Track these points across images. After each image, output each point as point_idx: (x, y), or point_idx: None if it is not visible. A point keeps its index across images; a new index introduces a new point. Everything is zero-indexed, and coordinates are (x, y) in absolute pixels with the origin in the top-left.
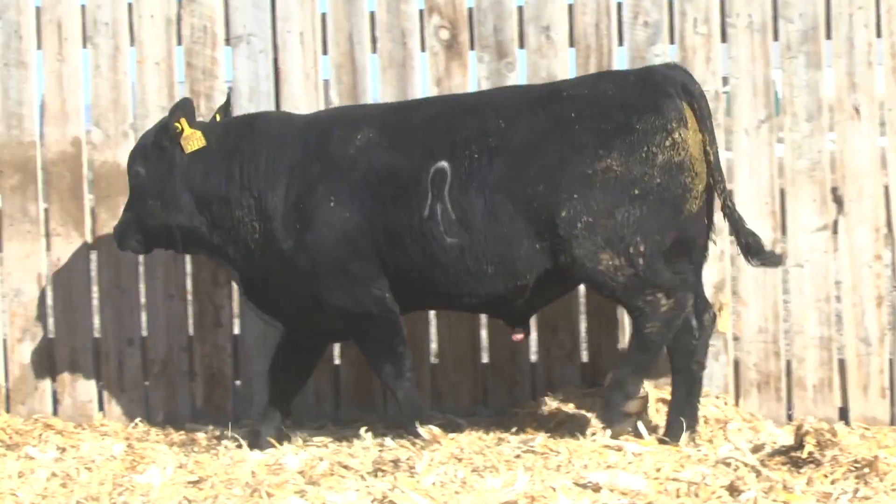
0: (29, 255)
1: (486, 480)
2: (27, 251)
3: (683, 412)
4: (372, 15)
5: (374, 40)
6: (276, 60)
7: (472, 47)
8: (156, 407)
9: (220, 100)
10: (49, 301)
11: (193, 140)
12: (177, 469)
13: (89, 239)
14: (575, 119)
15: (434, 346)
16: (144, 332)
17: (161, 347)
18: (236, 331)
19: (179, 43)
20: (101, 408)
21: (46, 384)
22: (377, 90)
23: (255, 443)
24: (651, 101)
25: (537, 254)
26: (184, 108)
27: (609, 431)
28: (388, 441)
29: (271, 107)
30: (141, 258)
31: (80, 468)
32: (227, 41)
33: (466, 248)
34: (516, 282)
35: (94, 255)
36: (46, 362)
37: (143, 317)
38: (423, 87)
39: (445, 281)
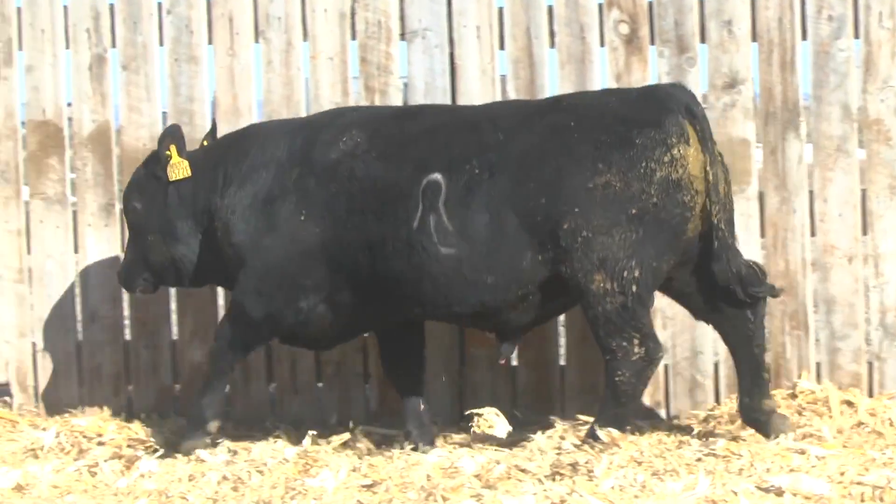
0: None
1: (666, 484)
2: None
3: (754, 396)
4: (550, 9)
5: (552, 35)
6: (451, 55)
7: (652, 42)
8: (329, 409)
9: (395, 96)
10: (220, 302)
11: (179, 169)
12: (350, 472)
13: None
14: (574, 129)
15: None
16: None
17: (334, 350)
18: None
19: (353, 38)
20: (273, 410)
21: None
22: (555, 86)
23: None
24: (652, 115)
25: (539, 265)
26: (173, 136)
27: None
28: (565, 444)
29: (447, 103)
30: None
31: (251, 471)
32: (403, 36)
33: (464, 258)
34: (517, 291)
35: None
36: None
37: None
38: (602, 82)
39: (434, 291)
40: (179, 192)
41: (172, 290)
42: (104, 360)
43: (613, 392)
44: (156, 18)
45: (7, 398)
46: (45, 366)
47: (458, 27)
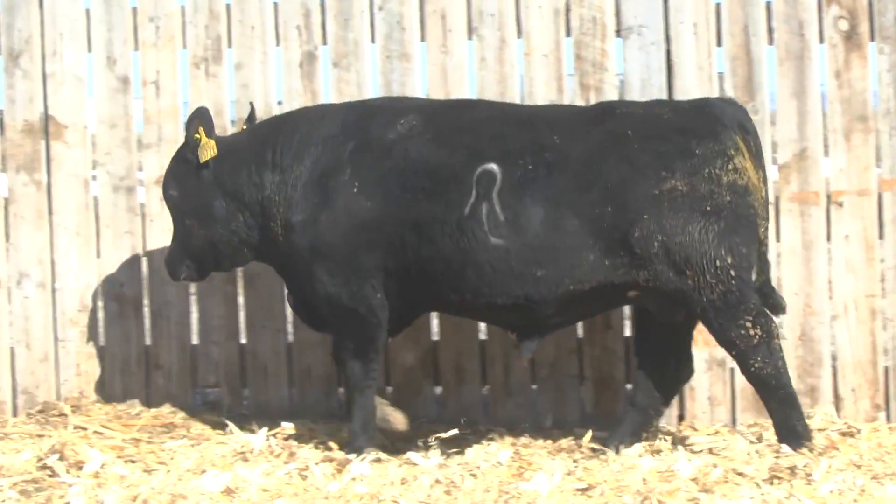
0: None
1: (886, 488)
2: None
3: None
4: (768, 5)
5: (770, 31)
6: (668, 52)
7: (871, 38)
8: (543, 411)
9: (610, 93)
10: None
11: (207, 149)
12: (565, 476)
13: None
14: (632, 138)
15: (832, 348)
16: None
17: (549, 350)
18: (627, 333)
19: (568, 34)
20: (485, 412)
21: (430, 388)
22: (773, 83)
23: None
24: (709, 127)
25: (603, 268)
26: (200, 118)
27: None
28: (784, 447)
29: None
30: None
31: (464, 475)
32: (618, 32)
33: (513, 249)
34: (569, 286)
35: None
36: (430, 366)
37: None
38: (821, 79)
39: (478, 279)
40: (215, 173)
41: None
42: (314, 362)
43: (761, 383)
44: (367, 15)
45: (217, 400)
46: (255, 368)
47: (674, 24)
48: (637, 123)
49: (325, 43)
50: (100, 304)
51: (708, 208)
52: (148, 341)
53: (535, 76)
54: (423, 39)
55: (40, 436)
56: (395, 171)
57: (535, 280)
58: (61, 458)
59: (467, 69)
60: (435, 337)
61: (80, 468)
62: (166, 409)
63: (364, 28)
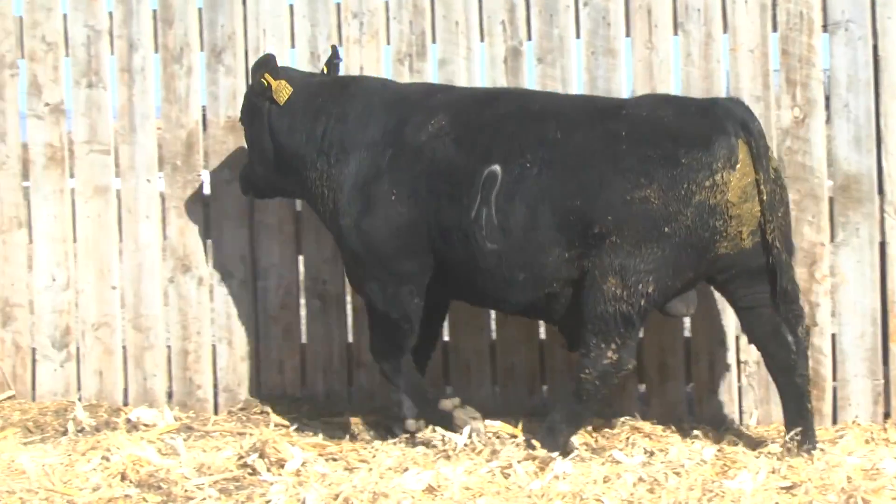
0: None
1: None
2: None
3: (797, 427)
4: None
5: None
6: (875, 47)
7: None
8: (748, 409)
9: (816, 89)
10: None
11: (282, 90)
12: (769, 474)
13: None
14: (624, 139)
15: None
16: (736, 332)
17: (754, 347)
18: (833, 330)
19: (774, 30)
20: (690, 410)
21: (634, 386)
22: None
23: None
24: (704, 135)
25: (565, 263)
26: (265, 65)
27: None
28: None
29: (870, 96)
30: None
31: (668, 473)
32: (825, 27)
33: (503, 254)
34: (544, 290)
35: None
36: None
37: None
38: None
39: (483, 285)
40: (277, 120)
41: None
42: (518, 360)
43: (577, 388)
44: (572, 10)
45: None
46: (458, 365)
47: (881, 18)
48: (634, 125)
49: (529, 38)
50: (302, 301)
51: (666, 230)
52: (350, 339)
53: (740, 72)
54: (628, 35)
55: (241, 434)
56: (426, 174)
57: (519, 285)
58: (262, 457)
59: (673, 65)
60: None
61: (282, 466)
62: (367, 406)
63: (569, 23)
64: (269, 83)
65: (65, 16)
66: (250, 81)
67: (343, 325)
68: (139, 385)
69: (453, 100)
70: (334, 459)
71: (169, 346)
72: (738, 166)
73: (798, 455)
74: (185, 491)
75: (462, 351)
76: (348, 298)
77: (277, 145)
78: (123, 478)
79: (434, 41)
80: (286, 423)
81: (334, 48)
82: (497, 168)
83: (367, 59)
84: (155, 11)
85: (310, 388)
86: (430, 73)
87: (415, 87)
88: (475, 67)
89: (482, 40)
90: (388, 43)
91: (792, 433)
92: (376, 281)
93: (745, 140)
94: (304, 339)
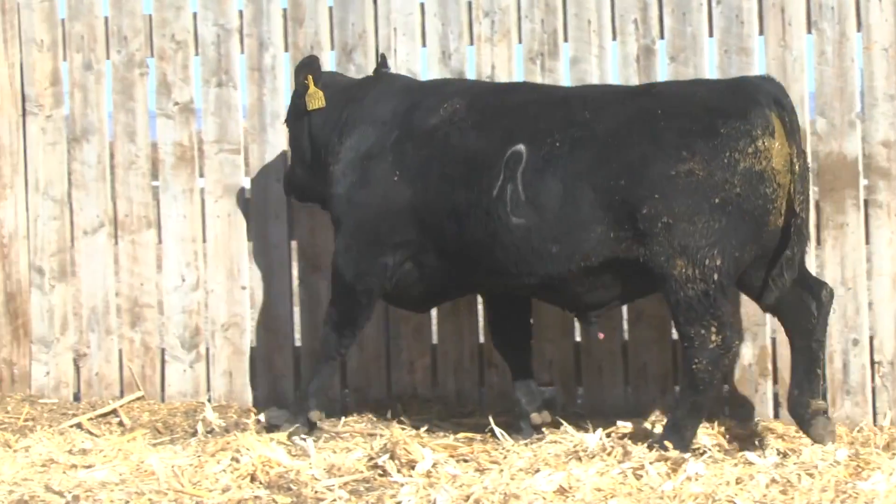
0: None
1: None
2: None
3: (804, 390)
4: None
5: None
6: None
7: None
8: (882, 410)
9: None
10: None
11: (315, 99)
12: None
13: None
14: (660, 116)
15: None
16: (870, 332)
17: (888, 348)
18: None
19: None
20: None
21: (767, 386)
22: None
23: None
24: (739, 106)
25: (609, 241)
26: (309, 66)
27: None
28: None
29: None
30: None
31: (801, 474)
32: None
33: (533, 227)
34: (580, 264)
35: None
36: (769, 364)
37: (868, 316)
38: None
39: (506, 260)
40: (314, 119)
41: None
42: (650, 360)
43: (691, 380)
44: (705, 9)
45: (551, 399)
46: (590, 366)
47: None
48: (668, 101)
49: (662, 37)
50: None
51: (716, 200)
52: (481, 339)
53: (875, 71)
54: (761, 33)
55: (372, 435)
56: (437, 157)
57: (551, 257)
58: (393, 458)
59: (806, 63)
60: (772, 334)
61: (412, 467)
62: (498, 407)
63: (702, 22)
64: (308, 85)
65: (194, 14)
66: (294, 83)
67: (474, 325)
68: (269, 386)
69: (468, 87)
70: (465, 460)
71: (298, 347)
72: (776, 135)
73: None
74: (315, 492)
75: (594, 351)
76: (479, 298)
77: (313, 144)
78: (253, 479)
79: (566, 40)
80: (417, 423)
81: (383, 56)
82: (521, 147)
83: (499, 59)
84: (285, 10)
85: (440, 389)
86: (562, 72)
87: (435, 80)
88: (607, 66)
89: (614, 39)
90: (520, 42)
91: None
92: (352, 252)
93: (777, 115)
94: (434, 339)
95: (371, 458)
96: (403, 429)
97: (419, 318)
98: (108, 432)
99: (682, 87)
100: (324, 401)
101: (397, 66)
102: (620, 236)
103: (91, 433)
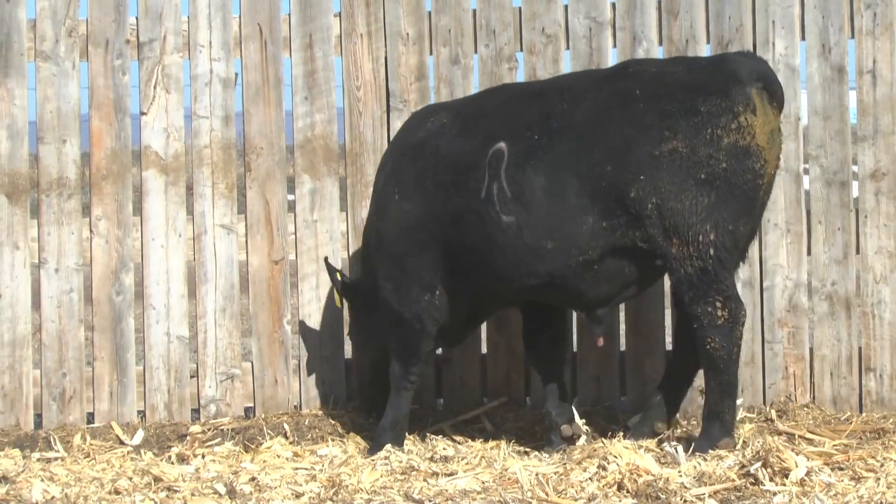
0: None
1: None
2: None
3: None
4: None
5: None
6: None
7: None
8: None
9: None
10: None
11: None
12: None
13: None
14: (639, 97)
15: None
16: None
17: None
18: None
19: None
20: None
21: None
22: None
23: None
24: (718, 84)
25: (603, 231)
26: None
27: None
28: None
29: None
30: None
31: None
32: None
33: (523, 224)
34: (578, 257)
35: None
36: None
37: None
38: None
39: (504, 262)
40: None
41: None
42: None
43: (710, 362)
44: None
45: None
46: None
47: None
48: (646, 82)
49: None
50: (810, 303)
51: (702, 176)
52: (860, 343)
53: None
54: None
55: (745, 442)
56: (430, 169)
57: (548, 253)
58: (765, 465)
59: None
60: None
61: (785, 476)
62: (877, 414)
63: None
64: None
65: (566, 7)
66: None
67: (853, 328)
68: (637, 391)
69: (454, 102)
70: (840, 469)
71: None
72: (758, 112)
73: None
74: (685, 501)
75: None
76: (857, 301)
77: None
78: (620, 487)
79: None
80: (791, 430)
81: None
82: (502, 145)
83: (881, 52)
84: (660, 2)
85: (817, 394)
86: None
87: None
88: None
89: None
90: None
91: None
92: (391, 281)
93: (760, 90)
94: (810, 343)
95: (743, 466)
96: (777, 436)
97: (795, 320)
98: (471, 439)
99: (660, 66)
100: (399, 433)
101: (774, 60)
102: (613, 224)
103: (453, 440)
